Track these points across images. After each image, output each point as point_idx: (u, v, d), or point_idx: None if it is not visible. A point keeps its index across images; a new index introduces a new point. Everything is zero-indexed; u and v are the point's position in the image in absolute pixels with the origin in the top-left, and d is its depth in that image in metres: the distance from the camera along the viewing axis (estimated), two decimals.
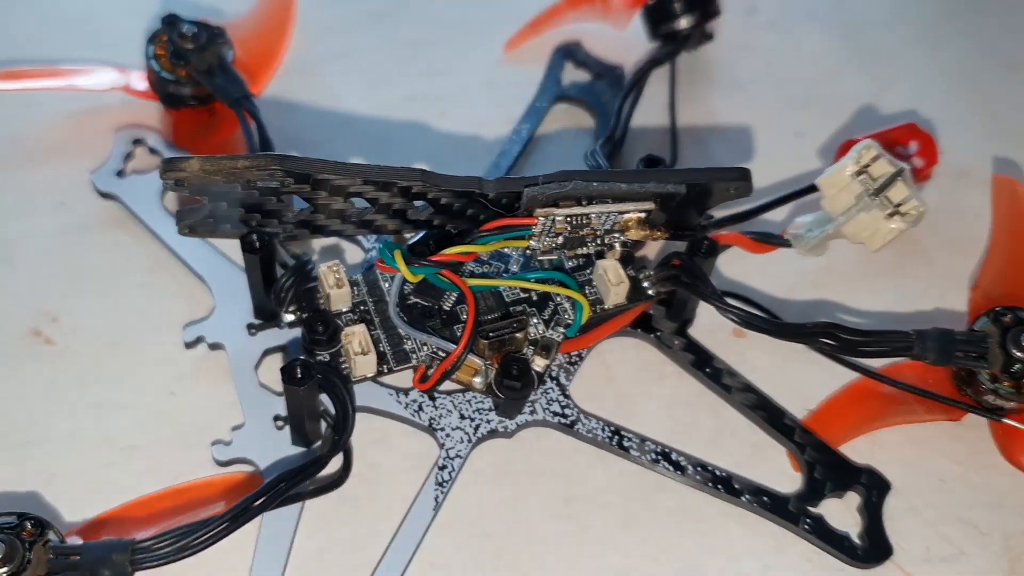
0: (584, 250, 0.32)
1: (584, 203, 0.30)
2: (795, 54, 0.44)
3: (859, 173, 0.32)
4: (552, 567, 0.30)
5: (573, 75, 0.41)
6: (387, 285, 0.32)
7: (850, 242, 0.33)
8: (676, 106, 0.40)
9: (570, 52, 0.41)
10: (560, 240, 0.31)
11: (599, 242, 0.32)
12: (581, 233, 0.31)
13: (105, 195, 0.36)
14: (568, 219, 0.31)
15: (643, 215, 0.31)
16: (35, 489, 0.30)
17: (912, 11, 0.45)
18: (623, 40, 0.41)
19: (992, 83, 0.44)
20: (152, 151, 0.37)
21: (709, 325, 0.35)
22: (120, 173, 0.36)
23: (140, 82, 0.37)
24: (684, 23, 0.40)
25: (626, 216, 0.31)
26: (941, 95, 0.43)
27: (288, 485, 0.28)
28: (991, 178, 0.38)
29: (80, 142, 0.38)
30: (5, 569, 0.26)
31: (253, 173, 0.28)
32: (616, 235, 0.32)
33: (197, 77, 0.36)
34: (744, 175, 0.31)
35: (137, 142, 0.37)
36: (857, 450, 0.33)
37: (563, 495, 0.32)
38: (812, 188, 0.33)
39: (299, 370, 0.28)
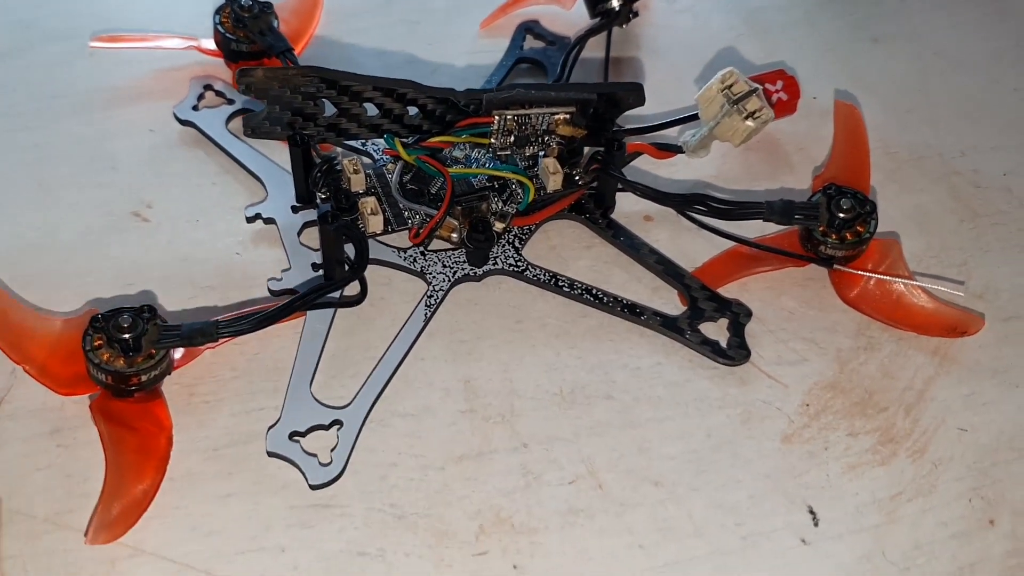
0: (530, 149, 0.45)
1: (526, 107, 0.44)
2: (704, 31, 0.57)
3: (724, 91, 0.45)
4: (504, 359, 0.42)
5: (532, 44, 0.55)
6: (391, 176, 0.45)
7: (720, 141, 0.45)
8: (608, 64, 0.53)
9: (529, 27, 0.55)
10: (512, 139, 0.44)
11: (540, 141, 0.45)
12: (526, 132, 0.44)
13: (184, 122, 0.49)
14: (515, 118, 0.44)
15: (568, 116, 0.44)
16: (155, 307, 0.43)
17: None
18: (571, 17, 0.55)
19: (859, 53, 0.57)
20: (218, 93, 0.50)
21: (628, 215, 0.48)
22: (195, 107, 0.50)
23: (208, 43, 0.51)
24: (615, 2, 0.53)
25: (556, 117, 0.44)
26: (816, 59, 0.56)
27: (321, 292, 0.40)
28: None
29: (164, 89, 0.51)
30: (130, 334, 0.38)
31: (298, 79, 0.41)
32: (551, 135, 0.45)
33: (253, 36, 0.49)
34: (637, 88, 0.44)
35: (207, 87, 0.51)
36: (732, 293, 0.45)
37: (514, 318, 0.44)
38: (695, 116, 0.46)
39: (330, 216, 0.41)
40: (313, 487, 0.38)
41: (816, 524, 0.39)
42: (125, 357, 0.38)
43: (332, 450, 0.39)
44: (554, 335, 0.43)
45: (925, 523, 0.39)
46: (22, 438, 0.39)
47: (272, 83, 0.41)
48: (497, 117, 0.43)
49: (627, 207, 0.47)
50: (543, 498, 0.39)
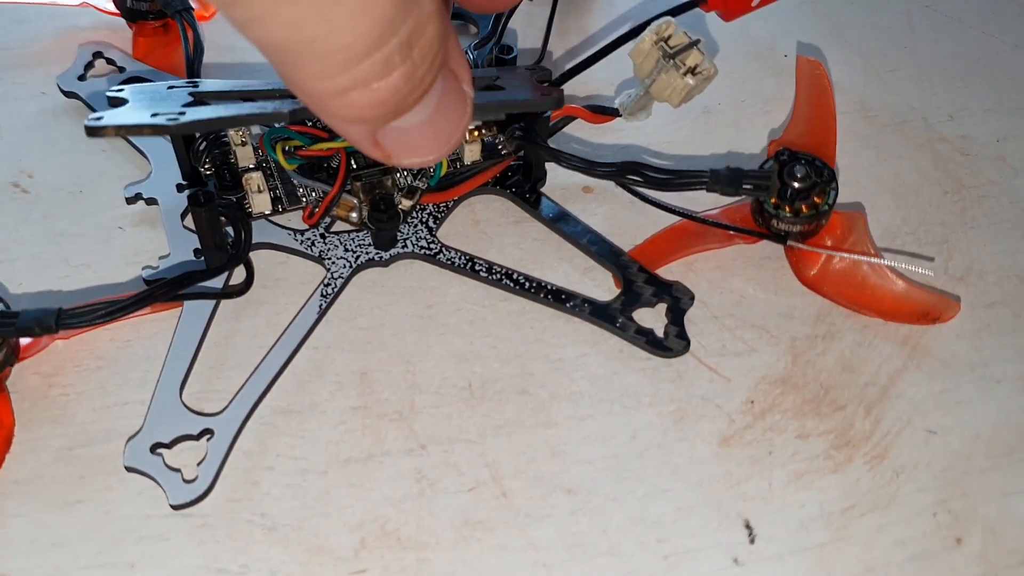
0: None
1: None
2: None
3: (659, 44, 0.39)
4: (407, 348, 0.38)
5: None
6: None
7: (657, 101, 0.40)
8: (552, 24, 0.47)
9: None
10: None
11: None
12: None
13: (68, 94, 0.44)
14: None
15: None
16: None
17: None
18: None
19: (838, 4, 0.51)
20: (109, 61, 0.46)
21: (564, 188, 0.42)
22: (82, 77, 0.45)
23: (106, 3, 0.46)
24: None
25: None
26: (788, 11, 0.50)
27: (184, 282, 0.35)
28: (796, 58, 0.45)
29: (58, 52, 0.46)
30: None
31: (151, 133, 0.34)
32: None
33: None
34: (555, 100, 0.37)
35: (97, 54, 0.46)
36: (675, 275, 0.40)
37: (425, 303, 0.39)
38: (619, 42, 0.40)
39: (201, 196, 0.36)
40: (174, 507, 0.33)
41: (752, 541, 0.33)
42: None
43: (199, 464, 0.34)
44: (468, 321, 0.38)
45: (880, 541, 0.33)
46: None
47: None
48: None
49: (564, 179, 0.42)
50: (437, 508, 0.34)
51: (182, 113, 0.33)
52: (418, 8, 0.22)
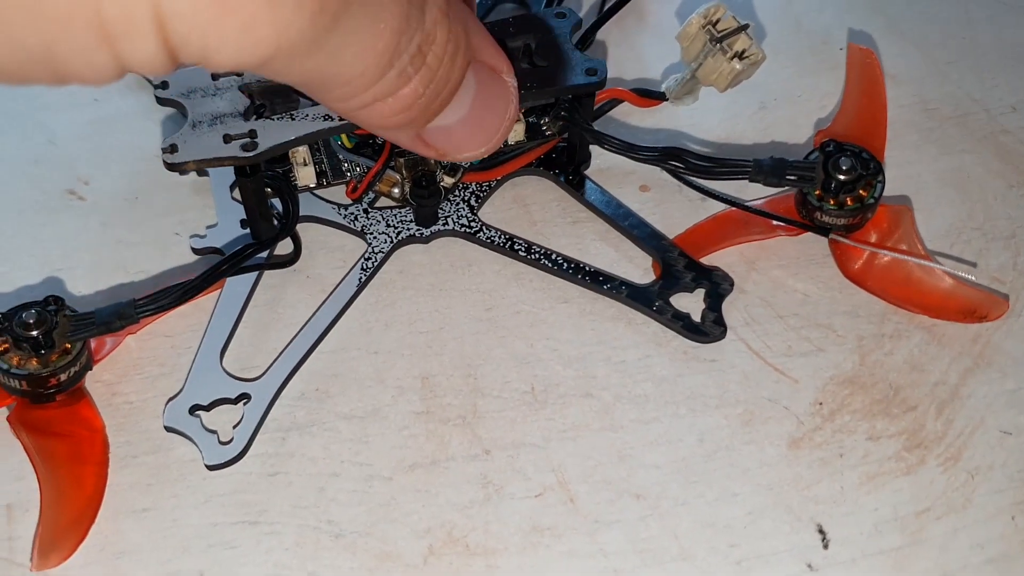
0: None
1: None
2: None
3: (707, 28, 0.38)
4: (469, 352, 0.37)
5: None
6: None
7: (703, 85, 0.39)
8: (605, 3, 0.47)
9: None
10: None
11: None
12: None
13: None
14: None
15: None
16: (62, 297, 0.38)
17: None
18: None
19: None
20: None
21: (608, 171, 0.42)
22: None
23: None
24: None
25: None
26: (844, 2, 0.49)
27: (246, 254, 0.36)
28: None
29: None
30: (38, 331, 0.34)
31: (232, 163, 0.35)
32: None
33: None
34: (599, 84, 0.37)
35: None
36: (737, 274, 0.39)
37: (483, 305, 0.39)
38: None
39: (248, 168, 0.36)
40: (209, 467, 0.34)
41: (825, 546, 0.33)
42: (38, 357, 0.34)
43: (235, 427, 0.34)
44: (528, 324, 0.38)
45: (957, 545, 0.33)
46: None
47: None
48: None
49: (611, 161, 0.41)
50: (504, 514, 0.33)
51: (253, 134, 0.34)
52: (423, 20, 0.23)
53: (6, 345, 0.34)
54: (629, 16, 0.48)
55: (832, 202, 0.38)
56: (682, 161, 0.38)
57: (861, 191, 0.38)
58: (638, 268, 0.39)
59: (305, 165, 0.38)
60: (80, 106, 0.45)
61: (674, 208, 0.41)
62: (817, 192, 0.38)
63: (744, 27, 0.37)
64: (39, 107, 0.45)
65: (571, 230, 0.40)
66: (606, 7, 0.44)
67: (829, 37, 0.48)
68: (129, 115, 0.44)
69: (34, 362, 0.33)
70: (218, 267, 0.35)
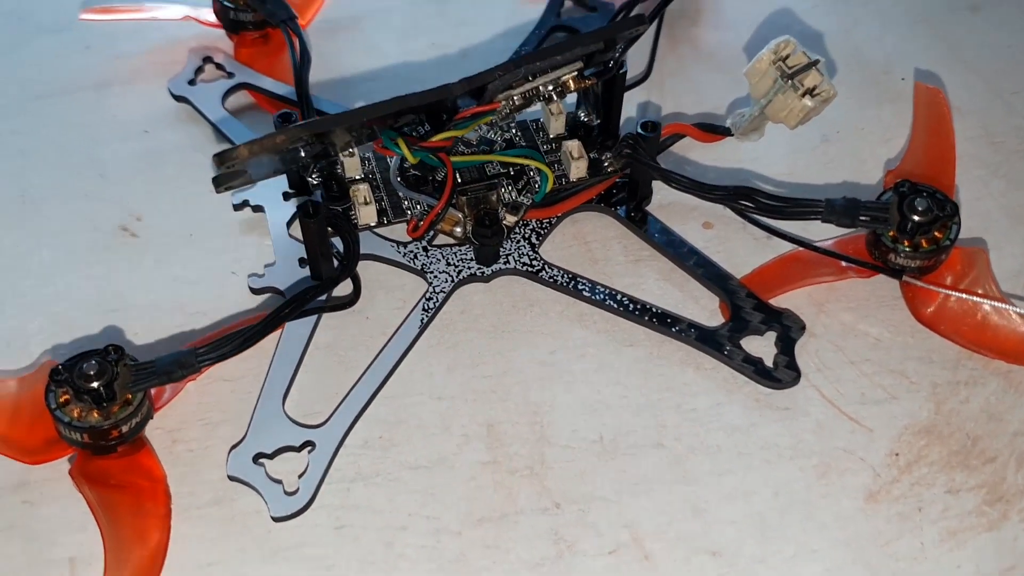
0: (534, 106, 0.39)
1: (531, 78, 0.37)
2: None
3: (778, 64, 0.37)
4: (534, 398, 0.36)
5: (571, 12, 0.48)
6: (391, 160, 0.39)
7: (772, 122, 0.38)
8: (659, 38, 0.46)
9: None
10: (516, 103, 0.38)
11: (543, 99, 0.39)
12: (531, 98, 0.38)
13: (178, 98, 0.44)
14: (522, 94, 0.37)
15: (575, 73, 0.37)
16: (118, 343, 0.38)
17: None
18: None
19: (955, 23, 0.49)
20: (218, 66, 0.45)
21: (668, 207, 0.41)
22: (191, 82, 0.44)
23: (208, 15, 0.46)
24: None
25: (564, 78, 0.38)
26: (904, 32, 0.48)
27: (308, 297, 0.35)
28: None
29: (162, 67, 0.46)
30: (99, 382, 0.33)
31: (287, 143, 0.35)
32: (558, 91, 0.38)
33: (252, 4, 0.44)
34: (640, 21, 0.36)
35: (207, 59, 0.45)
36: (807, 316, 0.38)
37: (547, 348, 0.38)
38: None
39: (311, 207, 0.35)
40: (275, 519, 0.33)
41: None
42: (99, 409, 0.33)
43: (300, 476, 0.34)
44: (593, 369, 0.37)
45: None
46: None
47: (259, 156, 0.35)
48: (503, 101, 0.37)
49: (672, 196, 0.40)
50: (577, 572, 0.33)
51: None
52: None
53: (67, 396, 0.33)
54: (683, 45, 0.48)
55: (907, 244, 0.37)
56: (753, 201, 0.37)
57: (937, 233, 0.37)
58: (704, 309, 0.38)
59: (367, 204, 0.38)
60: (129, 138, 0.44)
61: (738, 246, 0.40)
62: (892, 233, 0.37)
63: (815, 62, 0.36)
64: (88, 139, 0.44)
65: (633, 269, 0.40)
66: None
67: (890, 67, 0.47)
68: (179, 147, 0.44)
69: (95, 414, 0.33)
70: (280, 311, 0.34)
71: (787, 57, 0.37)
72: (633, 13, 0.44)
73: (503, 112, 0.38)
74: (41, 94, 0.46)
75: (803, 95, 0.37)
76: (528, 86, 0.37)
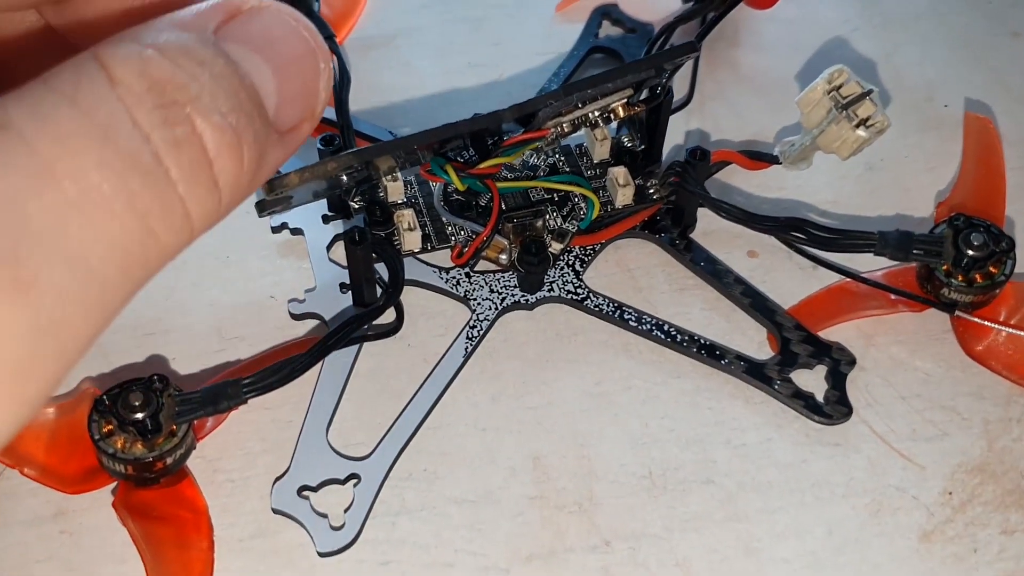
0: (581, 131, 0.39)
1: (581, 105, 0.36)
2: (814, 24, 0.49)
3: (831, 93, 0.36)
4: (581, 430, 0.36)
5: (610, 32, 0.47)
6: (435, 185, 0.39)
7: (824, 152, 0.37)
8: (699, 60, 0.45)
9: (607, 11, 0.47)
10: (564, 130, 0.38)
11: (590, 125, 0.38)
12: (578, 125, 0.38)
13: None
14: (571, 121, 0.37)
15: (625, 100, 0.37)
16: (159, 369, 0.37)
17: None
18: (657, 1, 0.47)
19: (997, 49, 0.48)
20: None
21: (713, 234, 0.40)
22: None
23: None
24: None
25: (613, 104, 0.37)
26: (945, 58, 0.48)
27: (354, 326, 0.34)
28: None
29: None
30: (144, 413, 0.32)
31: (339, 170, 0.34)
32: (605, 117, 0.38)
33: None
34: (692, 48, 0.36)
35: None
36: (856, 349, 0.37)
37: (593, 379, 0.37)
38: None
39: (357, 234, 0.35)
40: (321, 554, 0.32)
41: None
42: (144, 441, 0.32)
43: (346, 510, 0.33)
44: (640, 401, 0.37)
45: None
46: (22, 522, 0.34)
47: (309, 184, 0.34)
48: (553, 128, 0.37)
49: (717, 224, 0.40)
50: None
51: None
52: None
53: (110, 427, 0.32)
54: (722, 68, 0.47)
55: (961, 278, 0.36)
56: (804, 233, 0.36)
57: (992, 268, 0.36)
58: (752, 341, 0.38)
59: (411, 230, 0.37)
60: None
61: (784, 276, 0.40)
62: (945, 267, 0.37)
63: (868, 92, 0.36)
64: None
65: (678, 298, 0.39)
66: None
67: (932, 93, 0.46)
68: None
69: (139, 446, 0.32)
70: (325, 342, 0.34)
71: (841, 86, 0.36)
72: (674, 35, 0.43)
73: (550, 139, 0.38)
74: None
75: (857, 126, 0.36)
76: (578, 113, 0.37)
